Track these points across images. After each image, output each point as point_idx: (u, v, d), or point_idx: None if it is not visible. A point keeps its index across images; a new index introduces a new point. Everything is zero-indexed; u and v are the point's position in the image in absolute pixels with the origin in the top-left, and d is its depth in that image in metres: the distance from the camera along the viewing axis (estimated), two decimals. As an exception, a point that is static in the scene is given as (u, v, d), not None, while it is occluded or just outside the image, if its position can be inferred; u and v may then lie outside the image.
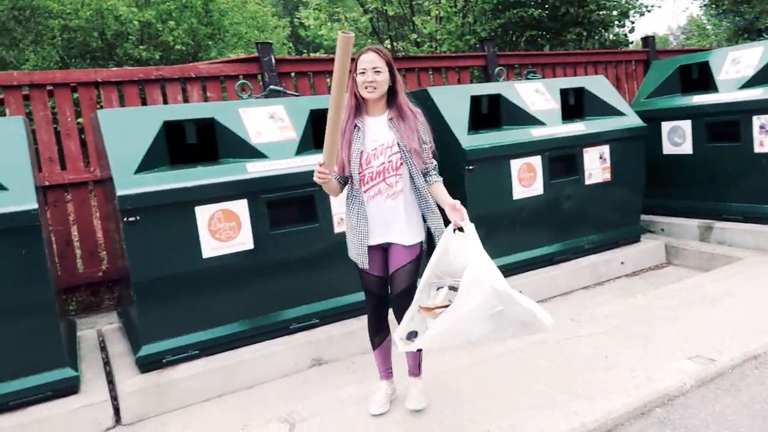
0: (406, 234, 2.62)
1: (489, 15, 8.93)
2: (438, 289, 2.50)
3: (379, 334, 2.81)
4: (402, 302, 2.61)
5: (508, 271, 4.56)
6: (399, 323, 2.65)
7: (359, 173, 2.58)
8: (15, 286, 2.91)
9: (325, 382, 3.40)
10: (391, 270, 2.65)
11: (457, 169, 4.27)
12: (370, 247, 2.64)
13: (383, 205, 2.59)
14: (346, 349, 3.71)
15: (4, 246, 2.86)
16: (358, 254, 2.64)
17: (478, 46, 8.33)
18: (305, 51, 18.64)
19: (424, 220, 2.68)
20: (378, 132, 2.61)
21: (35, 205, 2.93)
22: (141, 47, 11.47)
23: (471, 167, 4.27)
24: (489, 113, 4.79)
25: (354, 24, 10.30)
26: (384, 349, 2.84)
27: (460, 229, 2.44)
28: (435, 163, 2.71)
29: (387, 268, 2.68)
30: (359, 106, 2.64)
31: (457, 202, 2.49)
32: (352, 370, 3.55)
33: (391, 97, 2.63)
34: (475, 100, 4.68)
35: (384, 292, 2.73)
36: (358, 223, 2.61)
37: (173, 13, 11.98)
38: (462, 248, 2.43)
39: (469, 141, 4.33)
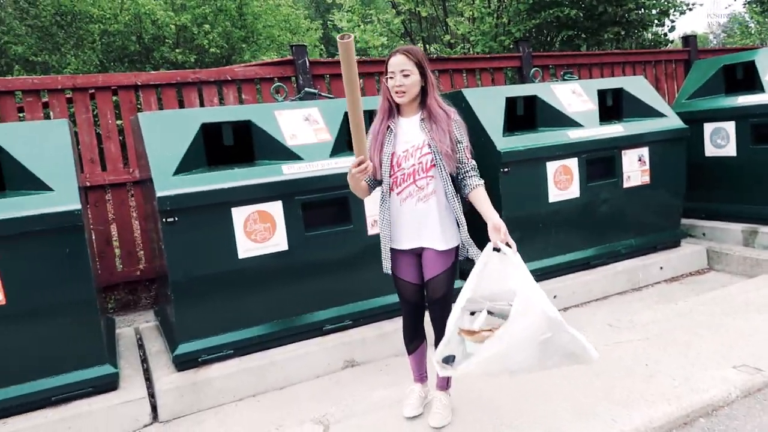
0: (439, 238, 2.53)
1: (524, 15, 8.82)
2: (472, 313, 2.39)
3: (414, 341, 2.77)
4: (439, 311, 2.57)
5: (542, 275, 4.50)
6: (435, 332, 2.62)
7: (390, 176, 2.53)
8: (59, 285, 2.98)
9: (358, 384, 3.40)
10: (426, 278, 2.59)
11: (492, 171, 4.22)
12: (402, 252, 2.59)
13: (414, 208, 2.52)
14: (380, 351, 3.70)
15: (50, 245, 2.94)
16: (383, 258, 2.62)
17: (512, 47, 8.25)
18: (337, 53, 18.75)
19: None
20: (410, 133, 2.55)
21: (79, 206, 3.00)
22: (177, 51, 11.71)
23: (506, 169, 4.21)
24: (524, 115, 4.73)
25: (387, 26, 10.31)
26: (419, 355, 2.80)
27: (497, 249, 2.34)
28: (473, 163, 2.60)
29: (421, 274, 2.62)
30: (392, 109, 2.58)
31: (502, 225, 2.36)
32: (385, 372, 3.54)
33: (424, 97, 2.55)
34: (511, 102, 4.62)
35: (418, 299, 2.67)
36: (383, 227, 2.58)
37: (208, 16, 12.20)
38: (501, 271, 2.34)
39: (504, 143, 4.28)
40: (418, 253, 2.60)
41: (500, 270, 2.34)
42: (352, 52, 2.20)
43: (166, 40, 11.99)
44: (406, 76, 2.45)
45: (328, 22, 14.46)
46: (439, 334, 2.57)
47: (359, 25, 9.81)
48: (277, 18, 13.69)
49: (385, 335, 3.71)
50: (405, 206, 2.53)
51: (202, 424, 3.13)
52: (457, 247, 2.59)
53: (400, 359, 3.63)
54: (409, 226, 2.55)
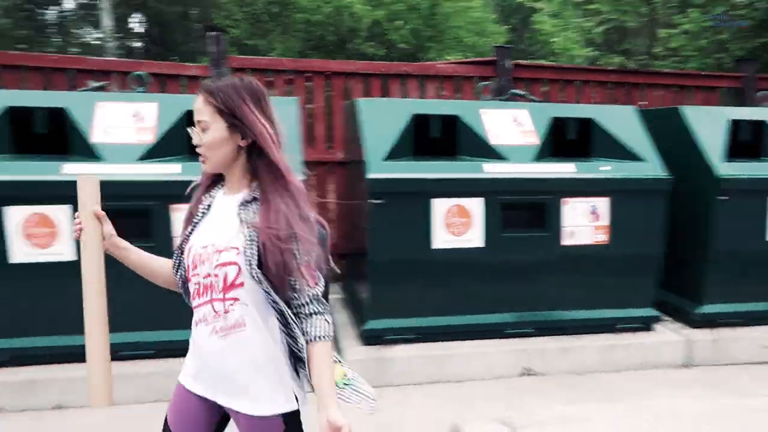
0: (250, 397, 1.50)
1: (749, 32, 7.93)
2: None
3: None
4: None
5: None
6: None
7: (188, 279, 1.56)
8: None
9: (538, 394, 3.32)
10: None
11: (708, 198, 3.88)
12: (191, 393, 1.59)
13: (208, 341, 1.51)
14: (558, 365, 3.59)
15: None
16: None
17: (729, 66, 7.48)
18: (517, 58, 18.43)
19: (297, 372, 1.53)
20: (218, 221, 1.53)
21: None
22: (369, 44, 12.30)
23: (724, 197, 3.83)
24: (750, 141, 4.25)
25: (587, 33, 9.85)
26: None
27: None
28: (317, 291, 1.49)
29: None
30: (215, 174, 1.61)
31: (345, 424, 1.38)
32: (563, 387, 3.42)
33: (258, 161, 1.50)
34: (734, 125, 4.19)
35: None
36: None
37: (401, 13, 12.65)
38: None
39: (724, 169, 3.89)
40: (218, 408, 1.58)
41: None
42: (95, 194, 1.59)
43: (360, 33, 12.64)
44: (203, 129, 1.50)
45: (531, 21, 14.18)
46: None
47: (563, 29, 9.46)
48: (466, 20, 13.78)
49: (566, 350, 3.59)
50: (198, 331, 1.54)
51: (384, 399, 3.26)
52: (296, 412, 1.52)
53: (580, 378, 3.50)
54: (204, 363, 1.55)
